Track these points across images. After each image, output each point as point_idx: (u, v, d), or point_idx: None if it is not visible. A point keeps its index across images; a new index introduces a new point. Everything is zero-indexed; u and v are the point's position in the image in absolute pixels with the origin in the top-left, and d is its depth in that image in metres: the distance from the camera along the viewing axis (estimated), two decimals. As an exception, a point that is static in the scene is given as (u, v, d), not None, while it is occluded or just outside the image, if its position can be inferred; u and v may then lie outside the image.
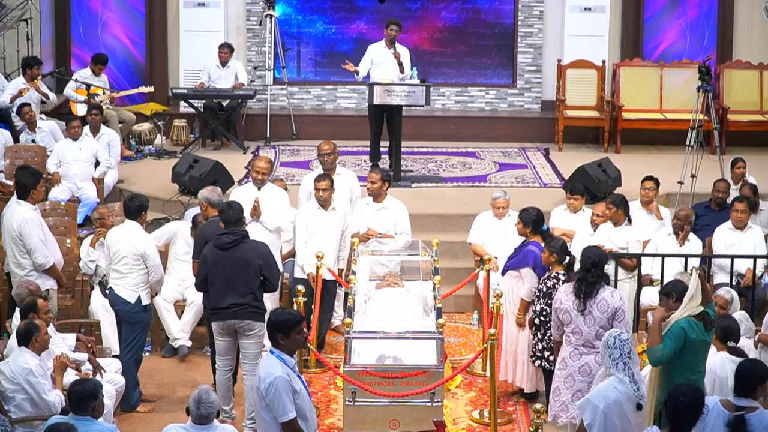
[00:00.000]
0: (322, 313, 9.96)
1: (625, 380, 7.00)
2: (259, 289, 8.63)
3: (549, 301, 8.84)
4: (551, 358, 8.88)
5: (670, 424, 6.60)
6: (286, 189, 10.73)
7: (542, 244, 9.08)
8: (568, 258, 8.93)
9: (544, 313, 8.88)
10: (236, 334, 8.67)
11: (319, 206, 10.25)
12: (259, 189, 10.16)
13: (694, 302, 7.44)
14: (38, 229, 9.49)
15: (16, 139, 13.06)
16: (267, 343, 7.98)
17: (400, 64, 13.16)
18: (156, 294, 9.52)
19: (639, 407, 7.03)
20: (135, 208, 9.12)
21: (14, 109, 13.38)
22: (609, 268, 9.14)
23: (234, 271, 8.54)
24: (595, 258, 8.22)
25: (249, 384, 8.51)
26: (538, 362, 8.99)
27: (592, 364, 8.11)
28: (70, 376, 8.15)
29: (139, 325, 9.09)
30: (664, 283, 10.14)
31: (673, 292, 7.67)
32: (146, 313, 9.13)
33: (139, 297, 9.02)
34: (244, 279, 8.55)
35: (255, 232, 9.49)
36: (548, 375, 9.00)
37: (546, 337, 8.90)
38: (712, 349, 7.83)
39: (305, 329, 6.91)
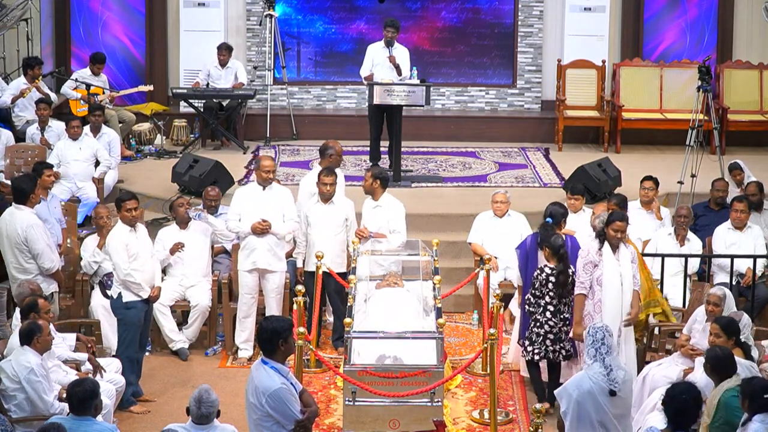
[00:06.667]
0: (335, 306, 10.36)
1: (594, 366, 7.19)
2: None
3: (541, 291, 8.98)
4: (529, 348, 9.01)
5: (671, 422, 6.63)
6: None
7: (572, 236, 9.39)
8: (561, 251, 9.03)
9: (529, 302, 9.04)
10: None
11: (318, 200, 10.33)
12: (263, 189, 10.15)
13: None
14: (44, 234, 9.53)
15: (16, 139, 13.07)
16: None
17: (397, 67, 13.15)
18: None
19: (612, 393, 7.11)
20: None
21: (21, 105, 13.47)
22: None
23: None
24: None
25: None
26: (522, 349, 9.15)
27: None
28: (71, 376, 8.16)
29: (122, 321, 9.08)
30: (664, 282, 10.20)
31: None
32: (128, 310, 9.04)
33: (120, 294, 9.03)
34: None
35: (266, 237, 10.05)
36: (531, 365, 9.11)
37: (529, 328, 9.02)
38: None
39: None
